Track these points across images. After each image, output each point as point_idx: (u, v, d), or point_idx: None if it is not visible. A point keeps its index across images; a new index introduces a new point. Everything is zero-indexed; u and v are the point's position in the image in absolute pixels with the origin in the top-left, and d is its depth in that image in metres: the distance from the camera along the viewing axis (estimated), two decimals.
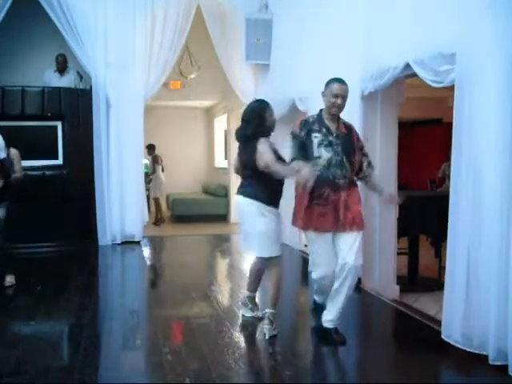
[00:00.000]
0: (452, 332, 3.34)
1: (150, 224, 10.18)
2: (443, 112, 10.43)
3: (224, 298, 4.88)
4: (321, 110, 3.62)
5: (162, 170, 10.33)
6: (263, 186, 3.59)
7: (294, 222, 3.65)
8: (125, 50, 7.25)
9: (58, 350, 3.55)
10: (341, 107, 3.50)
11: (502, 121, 2.98)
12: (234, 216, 9.83)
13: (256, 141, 3.57)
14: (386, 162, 4.88)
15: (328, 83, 3.53)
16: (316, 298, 3.95)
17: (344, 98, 3.48)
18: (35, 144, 6.80)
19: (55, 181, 6.99)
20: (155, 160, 10.24)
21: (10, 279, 4.91)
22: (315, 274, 3.63)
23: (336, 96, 3.45)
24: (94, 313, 4.35)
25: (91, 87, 7.23)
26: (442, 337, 3.41)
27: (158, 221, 10.18)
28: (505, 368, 2.93)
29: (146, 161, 10.05)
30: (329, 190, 3.41)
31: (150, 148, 10.19)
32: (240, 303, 4.20)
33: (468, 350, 3.22)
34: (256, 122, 3.65)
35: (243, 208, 3.69)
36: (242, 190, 3.70)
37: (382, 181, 4.87)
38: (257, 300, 4.17)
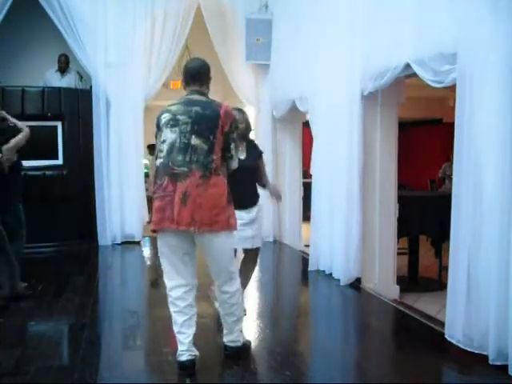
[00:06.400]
0: (454, 332, 3.34)
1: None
2: (443, 112, 10.44)
3: None
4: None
5: None
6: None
7: None
8: (125, 50, 7.24)
9: (58, 349, 3.55)
10: None
11: (502, 120, 2.97)
12: None
13: None
14: (386, 162, 4.87)
15: None
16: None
17: None
18: (35, 144, 6.78)
19: (55, 181, 6.98)
20: None
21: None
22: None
23: None
24: (94, 313, 4.34)
25: (91, 87, 7.22)
26: (446, 336, 3.41)
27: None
28: (505, 368, 2.93)
29: (147, 161, 10.02)
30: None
31: (152, 148, 10.15)
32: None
33: (469, 349, 3.21)
34: None
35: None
36: None
37: (383, 181, 4.89)
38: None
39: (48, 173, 6.92)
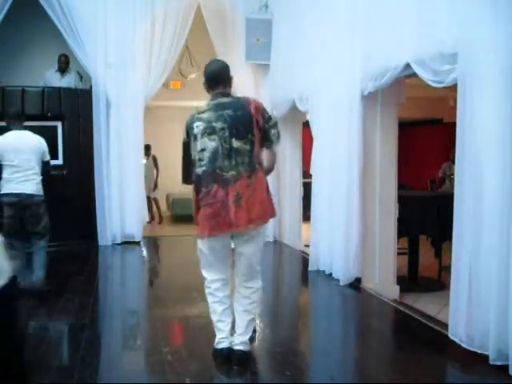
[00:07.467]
0: (457, 331, 3.34)
1: (156, 224, 10.15)
2: (444, 112, 10.45)
3: None
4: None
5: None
6: None
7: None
8: (125, 49, 7.25)
9: (58, 349, 3.55)
10: None
11: (503, 120, 2.97)
12: None
13: None
14: (386, 162, 4.87)
15: None
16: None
17: None
18: None
19: (55, 181, 6.98)
20: (156, 161, 10.23)
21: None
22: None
23: None
24: (94, 313, 4.34)
25: (91, 87, 7.23)
26: (449, 335, 3.41)
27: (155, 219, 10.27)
28: (505, 368, 2.92)
29: (144, 161, 9.88)
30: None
31: (148, 149, 9.81)
32: None
33: (471, 349, 3.21)
34: None
35: None
36: None
37: (383, 181, 4.89)
38: None
39: None
